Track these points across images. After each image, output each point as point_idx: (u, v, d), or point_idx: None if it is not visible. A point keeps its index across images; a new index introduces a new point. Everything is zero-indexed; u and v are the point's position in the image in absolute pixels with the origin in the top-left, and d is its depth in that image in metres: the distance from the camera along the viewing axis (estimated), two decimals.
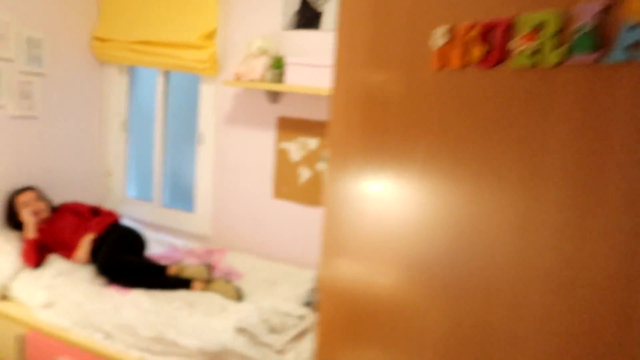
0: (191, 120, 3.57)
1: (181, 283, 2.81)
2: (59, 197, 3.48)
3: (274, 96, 3.12)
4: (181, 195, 3.73)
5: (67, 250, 3.05)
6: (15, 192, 3.17)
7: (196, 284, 2.81)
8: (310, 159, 3.09)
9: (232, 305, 2.62)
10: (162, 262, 3.16)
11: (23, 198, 3.13)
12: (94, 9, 3.61)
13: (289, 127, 3.13)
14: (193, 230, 3.58)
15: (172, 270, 2.93)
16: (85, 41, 3.58)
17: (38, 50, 3.24)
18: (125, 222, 3.67)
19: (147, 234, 3.55)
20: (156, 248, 3.39)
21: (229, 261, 3.20)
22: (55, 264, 2.94)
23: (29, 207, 3.11)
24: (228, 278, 2.96)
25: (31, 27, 3.19)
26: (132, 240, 3.10)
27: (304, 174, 3.12)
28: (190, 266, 2.99)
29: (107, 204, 3.88)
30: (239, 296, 2.70)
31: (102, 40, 3.56)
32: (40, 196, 3.21)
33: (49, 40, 3.31)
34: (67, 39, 3.45)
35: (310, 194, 3.12)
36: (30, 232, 2.98)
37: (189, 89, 3.60)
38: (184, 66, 3.30)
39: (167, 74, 3.63)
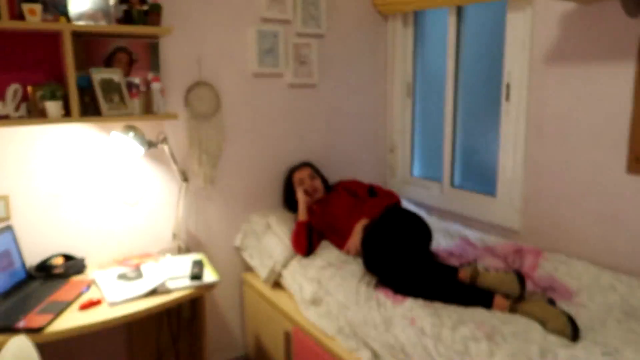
0: (492, 72, 2.62)
1: (477, 296, 1.92)
2: (337, 174, 3.06)
3: (637, 3, 1.86)
4: (478, 173, 2.82)
5: (339, 237, 2.55)
6: (292, 168, 2.86)
7: (499, 301, 1.88)
8: None
9: (560, 346, 1.59)
10: (450, 261, 2.33)
11: (299, 175, 2.79)
12: None
13: None
14: (493, 220, 2.63)
15: (463, 274, 2.07)
16: None
17: (315, 8, 2.84)
18: (408, 205, 2.99)
19: (433, 222, 2.79)
20: (443, 241, 2.59)
21: (550, 269, 2.13)
22: (326, 252, 2.47)
23: (304, 184, 2.75)
24: (550, 297, 1.91)
25: None
26: (412, 230, 2.37)
27: None
28: (490, 271, 2.07)
29: (390, 184, 3.29)
30: (573, 332, 1.64)
31: None
32: (316, 173, 2.82)
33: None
34: None
35: None
36: (302, 213, 2.60)
37: (490, 30, 2.64)
38: None
39: (459, 12, 2.76)
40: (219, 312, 2.82)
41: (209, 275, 2.21)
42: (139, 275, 2.19)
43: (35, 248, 2.24)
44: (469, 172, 2.86)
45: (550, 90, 2.27)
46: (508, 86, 2.47)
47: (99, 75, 2.15)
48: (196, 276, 2.16)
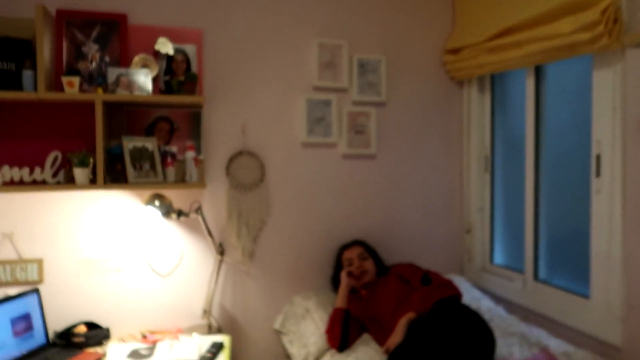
0: (580, 141, 2.13)
1: None
2: (399, 255, 2.68)
3: None
4: (567, 266, 2.24)
5: (382, 331, 2.15)
6: (342, 245, 2.57)
7: None
8: None
9: None
10: None
11: (348, 254, 2.49)
12: (446, 17, 2.79)
13: None
14: (585, 329, 2.03)
15: None
16: (433, 58, 2.77)
17: (374, 75, 2.64)
18: (481, 303, 2.48)
19: (510, 323, 2.25)
20: (518, 349, 2.04)
21: None
22: (363, 349, 2.09)
23: (352, 265, 2.43)
24: None
25: (365, 50, 2.65)
26: (467, 334, 1.88)
27: None
28: None
29: (467, 272, 2.80)
30: None
31: (455, 51, 2.67)
32: (368, 253, 2.49)
33: (388, 62, 2.68)
34: (411, 58, 2.74)
35: None
36: (340, 299, 2.27)
37: (575, 92, 2.18)
38: (561, 47, 1.97)
39: (539, 74, 2.34)
40: None
41: None
42: (150, 354, 2.03)
43: (63, 314, 2.23)
44: (557, 263, 2.29)
45: None
46: (598, 158, 1.96)
47: (130, 143, 2.16)
48: None
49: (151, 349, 2.07)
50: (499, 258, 2.70)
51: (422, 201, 2.78)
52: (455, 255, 2.85)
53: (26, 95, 1.94)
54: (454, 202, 2.83)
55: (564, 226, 2.23)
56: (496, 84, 2.68)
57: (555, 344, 2.03)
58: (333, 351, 2.14)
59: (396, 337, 1.99)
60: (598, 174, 1.96)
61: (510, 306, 2.46)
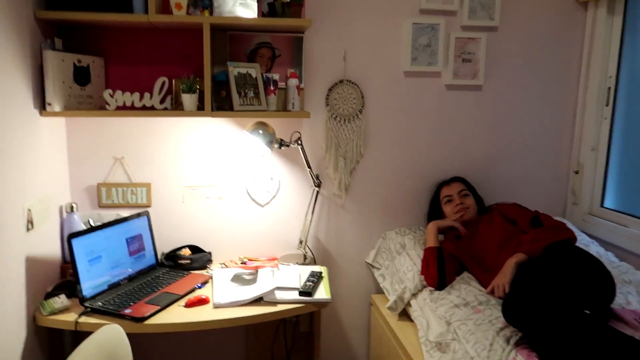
0: None
1: None
2: (498, 195, 2.55)
3: None
4: None
5: (485, 272, 2.07)
6: (441, 182, 2.47)
7: None
8: None
9: None
10: None
11: (447, 190, 2.39)
12: None
13: None
14: None
15: None
16: None
17: None
18: (589, 246, 2.33)
19: (623, 271, 2.11)
20: (635, 298, 1.92)
21: None
22: (465, 287, 2.03)
23: (452, 203, 2.33)
24: None
25: None
26: (585, 278, 1.77)
27: None
28: None
29: (571, 215, 2.63)
30: None
31: None
32: (468, 190, 2.38)
33: None
34: None
35: None
36: (430, 238, 2.19)
37: None
38: None
39: None
40: (342, 331, 2.58)
41: (322, 293, 1.99)
42: (254, 279, 2.08)
43: (169, 236, 2.32)
44: None
45: None
46: None
47: (236, 69, 2.10)
48: (306, 292, 1.95)
49: (254, 275, 2.12)
50: (610, 202, 2.49)
51: (528, 138, 2.58)
52: (559, 198, 2.67)
53: (137, 17, 1.90)
54: (563, 139, 2.61)
55: None
56: (631, 3, 2.35)
57: None
58: (431, 288, 2.10)
59: (503, 277, 1.91)
60: None
61: (623, 254, 2.29)
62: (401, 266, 2.29)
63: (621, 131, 2.44)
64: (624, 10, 2.37)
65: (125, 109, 2.03)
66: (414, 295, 2.16)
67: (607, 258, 2.28)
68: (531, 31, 2.48)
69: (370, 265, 2.51)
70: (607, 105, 2.47)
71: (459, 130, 2.51)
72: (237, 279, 2.09)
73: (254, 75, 2.14)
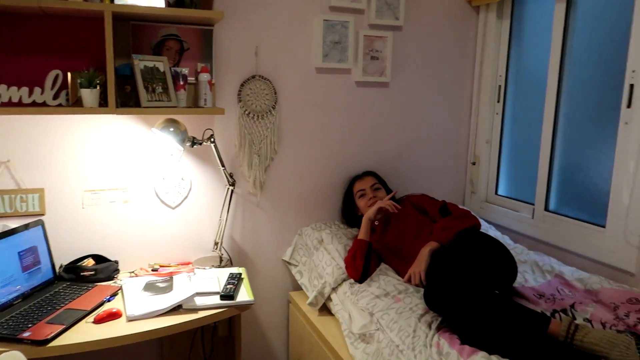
0: (608, 72, 2.10)
1: None
2: (406, 187, 2.66)
3: None
4: (581, 197, 2.28)
5: (401, 261, 2.16)
6: (354, 177, 2.52)
7: None
8: None
9: None
10: (539, 305, 1.85)
11: (360, 184, 2.44)
12: None
13: None
14: (599, 257, 2.10)
15: (556, 328, 1.58)
16: None
17: None
18: (489, 230, 2.53)
19: (520, 252, 2.32)
20: (531, 276, 2.12)
21: None
22: (384, 278, 2.09)
23: (365, 197, 2.39)
24: None
25: None
26: (492, 261, 1.92)
27: None
28: (594, 327, 1.58)
29: (469, 203, 2.83)
30: None
31: None
32: (380, 184, 2.45)
33: None
34: None
35: None
36: (363, 231, 2.23)
37: (609, 18, 2.12)
38: None
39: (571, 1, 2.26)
40: (262, 332, 2.54)
41: (244, 295, 1.93)
42: (169, 286, 1.96)
43: (68, 247, 2.10)
44: (570, 194, 2.33)
45: None
46: (632, 88, 1.94)
47: (142, 62, 1.95)
48: (228, 295, 1.88)
49: (168, 282, 1.99)
50: (505, 189, 2.73)
51: (431, 132, 2.73)
52: (460, 187, 2.86)
53: (26, 1, 1.68)
54: (462, 133, 2.80)
55: (583, 157, 2.25)
56: (517, 9, 2.58)
57: (568, 271, 2.10)
58: (351, 281, 2.13)
59: (419, 265, 2.00)
60: (630, 104, 1.95)
61: (516, 237, 2.52)
62: (320, 261, 2.30)
63: (510, 125, 2.67)
64: (511, 15, 2.60)
65: (12, 106, 1.79)
66: (334, 289, 2.17)
67: (504, 241, 2.49)
68: (431, 32, 2.62)
69: (288, 262, 2.49)
70: (498, 101, 2.69)
71: (369, 125, 2.58)
72: (150, 287, 1.95)
73: (162, 69, 2.00)
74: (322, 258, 2.30)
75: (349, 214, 2.48)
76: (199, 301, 1.85)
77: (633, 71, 1.93)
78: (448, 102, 2.73)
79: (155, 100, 1.95)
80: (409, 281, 2.03)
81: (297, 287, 2.47)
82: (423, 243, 2.08)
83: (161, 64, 2.00)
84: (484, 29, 2.68)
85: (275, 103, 2.35)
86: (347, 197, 2.50)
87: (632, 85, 1.94)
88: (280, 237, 2.49)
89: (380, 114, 2.59)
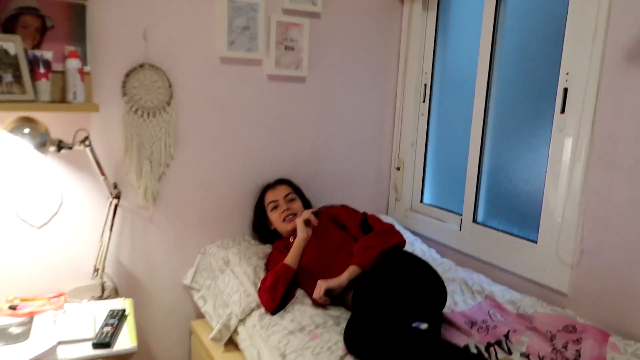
0: (541, 74, 1.94)
1: None
2: (326, 195, 2.38)
3: None
4: (512, 209, 2.12)
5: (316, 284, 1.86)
6: (265, 186, 2.19)
7: None
8: None
9: None
10: (472, 335, 1.64)
11: (272, 194, 2.11)
12: None
13: None
14: (531, 275, 1.95)
15: None
16: None
17: None
18: (414, 244, 2.32)
19: (447, 268, 2.13)
20: (460, 297, 1.93)
21: None
22: (299, 308, 1.78)
23: (278, 209, 2.07)
24: None
25: None
26: (419, 288, 1.68)
27: None
28: None
29: (393, 211, 2.61)
30: None
31: None
32: (296, 194, 2.15)
33: None
34: None
35: None
36: (293, 254, 1.88)
37: (542, 16, 1.95)
38: None
39: None
40: None
41: (125, 340, 1.54)
42: (24, 332, 1.52)
43: None
44: (500, 205, 2.16)
45: (630, 101, 1.58)
46: (565, 92, 1.78)
47: None
48: (102, 343, 1.48)
49: (26, 325, 1.56)
50: (431, 197, 2.54)
51: (352, 134, 2.47)
52: (383, 194, 2.63)
53: None
54: (385, 135, 2.57)
55: (514, 165, 2.08)
56: (445, 2, 2.36)
57: (499, 291, 1.93)
58: (261, 310, 1.81)
59: (328, 282, 1.73)
60: (563, 110, 1.79)
61: (444, 250, 2.33)
62: (225, 286, 1.95)
63: (437, 128, 2.47)
64: (438, 7, 2.38)
65: None
66: (242, 321, 1.84)
67: (431, 255, 2.29)
68: (352, 22, 2.34)
69: (189, 287, 2.12)
70: (424, 101, 2.48)
71: (283, 126, 2.26)
72: (2, 334, 1.51)
73: (12, 52, 1.54)
74: (228, 282, 1.95)
75: (261, 229, 2.16)
76: (64, 353, 1.44)
77: (567, 74, 1.77)
78: (371, 100, 2.48)
79: (3, 93, 1.50)
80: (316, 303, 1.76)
81: (201, 315, 2.11)
82: (343, 263, 1.81)
83: (11, 44, 1.55)
84: (408, 21, 2.45)
85: (170, 98, 1.96)
86: (257, 209, 2.17)
87: (565, 90, 1.77)
88: (180, 258, 2.11)
89: (296, 113, 2.28)
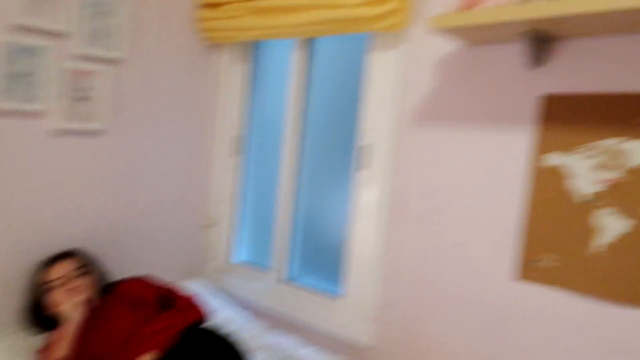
0: (349, 130, 2.04)
1: None
2: (126, 263, 2.12)
3: (541, 49, 1.42)
4: (323, 264, 2.14)
5: None
6: (46, 260, 1.82)
7: None
8: (627, 191, 1.32)
9: None
10: None
11: (58, 270, 1.76)
12: None
13: (574, 118, 1.41)
14: (337, 332, 1.95)
15: None
16: (187, 10, 2.27)
17: (110, 21, 1.98)
18: (224, 313, 2.18)
19: (256, 333, 2.03)
20: None
21: None
22: None
23: (61, 288, 1.73)
24: None
25: None
26: None
27: (610, 226, 1.36)
28: None
29: (208, 273, 2.45)
30: None
31: (213, 6, 2.22)
32: (86, 268, 1.83)
33: (130, 6, 2.06)
34: (159, 5, 2.17)
35: (624, 275, 1.33)
36: (64, 342, 1.56)
37: (348, 73, 2.07)
38: (344, 20, 1.77)
39: (308, 46, 2.15)
40: None
41: None
42: None
43: None
44: (313, 260, 2.17)
45: (424, 157, 1.72)
46: (364, 150, 1.87)
47: None
48: None
49: None
50: (244, 256, 2.44)
51: (159, 192, 2.27)
52: (196, 255, 2.45)
53: None
54: (197, 191, 2.42)
55: (324, 220, 2.12)
56: (257, 53, 2.36)
57: (305, 354, 1.90)
58: None
59: None
60: (362, 166, 1.88)
61: (258, 310, 2.24)
62: None
63: (251, 183, 2.43)
64: (251, 59, 2.38)
65: None
66: None
67: (241, 322, 2.13)
68: (161, 71, 2.19)
69: None
70: (237, 154, 2.42)
71: (74, 188, 1.96)
72: None
73: None
74: None
75: (38, 315, 1.77)
76: None
77: (365, 130, 1.86)
78: (180, 155, 2.32)
79: None
80: None
81: None
82: (135, 353, 1.57)
83: None
84: (218, 73, 2.39)
85: None
86: (36, 290, 1.79)
87: (364, 147, 1.86)
88: None
89: (92, 171, 2.01)
